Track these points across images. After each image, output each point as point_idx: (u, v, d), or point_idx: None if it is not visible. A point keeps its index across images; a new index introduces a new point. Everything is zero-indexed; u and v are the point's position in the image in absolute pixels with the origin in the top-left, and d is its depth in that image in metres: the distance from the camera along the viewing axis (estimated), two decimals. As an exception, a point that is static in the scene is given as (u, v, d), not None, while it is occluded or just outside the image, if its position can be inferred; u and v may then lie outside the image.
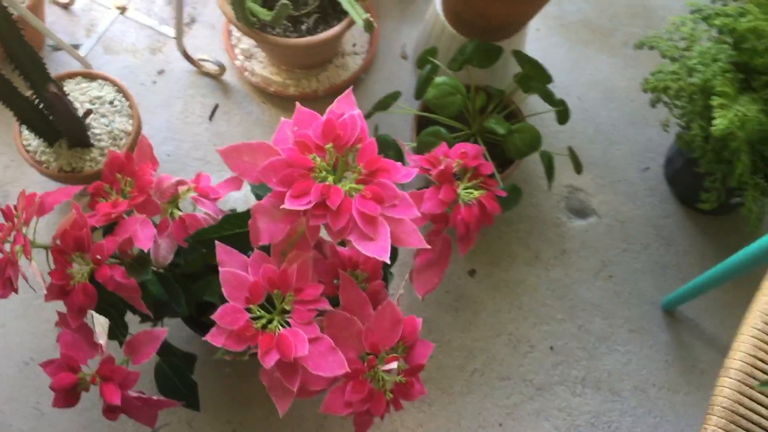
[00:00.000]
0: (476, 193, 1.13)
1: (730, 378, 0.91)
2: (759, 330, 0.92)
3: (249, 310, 0.91)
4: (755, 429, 0.88)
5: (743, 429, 0.89)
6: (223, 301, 0.92)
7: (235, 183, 1.16)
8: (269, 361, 0.88)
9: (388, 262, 0.85)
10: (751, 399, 0.91)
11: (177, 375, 1.12)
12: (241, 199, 1.48)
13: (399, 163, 0.92)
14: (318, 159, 0.88)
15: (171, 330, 1.23)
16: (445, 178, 1.11)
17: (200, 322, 1.24)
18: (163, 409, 1.30)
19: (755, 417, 0.90)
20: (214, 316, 0.90)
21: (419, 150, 1.27)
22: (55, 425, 1.34)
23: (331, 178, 0.88)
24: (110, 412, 1.03)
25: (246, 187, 1.37)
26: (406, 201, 0.91)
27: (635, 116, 1.63)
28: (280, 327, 0.90)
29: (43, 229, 1.43)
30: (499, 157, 1.38)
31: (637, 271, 1.51)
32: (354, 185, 0.88)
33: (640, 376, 1.43)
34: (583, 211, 1.56)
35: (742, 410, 0.90)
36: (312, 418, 1.36)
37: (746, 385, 0.90)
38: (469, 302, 1.47)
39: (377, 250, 0.86)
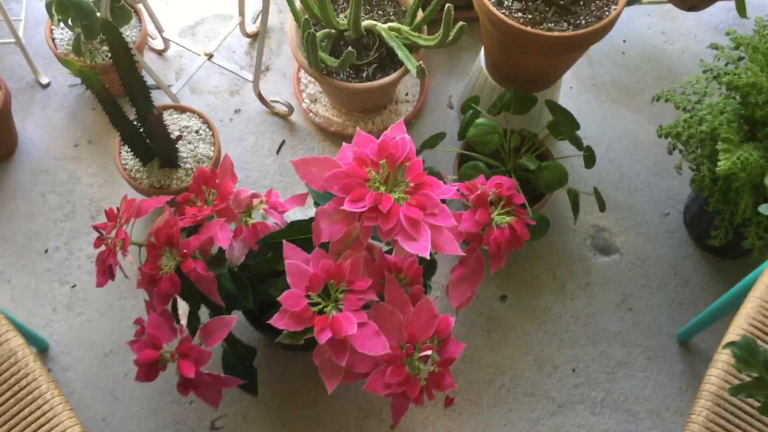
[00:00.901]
0: (508, 218, 1.28)
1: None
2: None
3: (308, 297, 1.06)
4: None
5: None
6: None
7: (299, 199, 1.33)
8: (323, 338, 1.03)
9: (428, 257, 1.01)
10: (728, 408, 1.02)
11: (241, 361, 1.28)
12: (302, 216, 1.65)
13: (440, 181, 1.09)
14: (373, 172, 1.05)
15: (235, 331, 1.39)
16: (480, 202, 1.26)
17: (262, 322, 1.40)
18: (223, 399, 1.46)
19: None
20: (280, 298, 1.05)
21: (460, 181, 1.43)
22: (127, 409, 1.50)
23: (383, 188, 1.04)
24: (183, 386, 1.18)
25: (305, 207, 1.55)
26: (445, 212, 1.07)
27: (658, 167, 1.77)
28: (334, 312, 1.05)
29: (135, 232, 1.62)
30: (530, 192, 1.53)
31: (655, 306, 1.62)
32: (402, 195, 1.04)
33: (656, 400, 1.53)
34: (607, 249, 1.69)
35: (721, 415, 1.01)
36: (353, 417, 1.49)
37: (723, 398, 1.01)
38: (499, 324, 1.60)
39: (419, 248, 1.02)
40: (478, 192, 1.26)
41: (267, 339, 1.53)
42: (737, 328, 0.99)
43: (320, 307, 1.06)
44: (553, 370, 1.56)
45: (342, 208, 1.02)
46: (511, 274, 1.65)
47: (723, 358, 1.02)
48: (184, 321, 1.17)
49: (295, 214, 1.65)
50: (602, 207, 1.52)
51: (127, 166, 1.53)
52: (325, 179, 1.05)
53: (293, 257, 1.10)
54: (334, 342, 1.04)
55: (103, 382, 1.53)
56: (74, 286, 1.61)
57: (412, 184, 1.06)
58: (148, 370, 1.19)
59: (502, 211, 1.30)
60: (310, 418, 1.49)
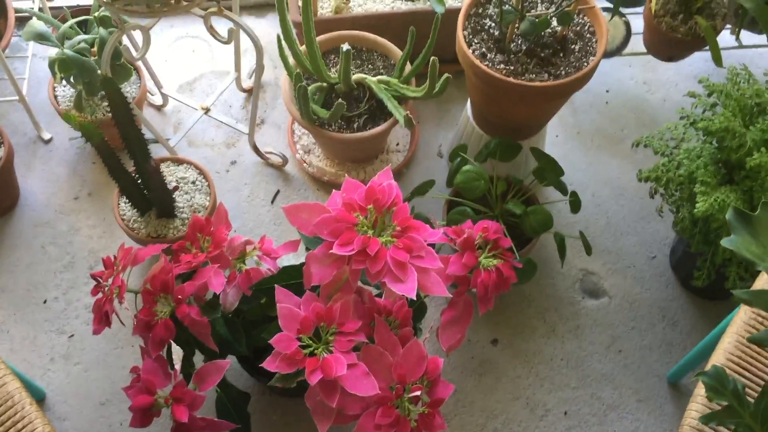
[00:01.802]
0: (495, 261, 1.31)
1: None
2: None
3: (300, 340, 1.08)
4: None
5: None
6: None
7: (292, 246, 1.36)
8: (314, 379, 1.04)
9: (414, 298, 1.03)
10: None
11: (234, 406, 1.29)
12: (294, 262, 1.68)
13: (427, 225, 1.12)
14: (361, 217, 1.08)
15: (230, 377, 1.40)
16: (467, 245, 1.29)
17: (256, 368, 1.41)
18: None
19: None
20: (272, 341, 1.07)
21: (448, 225, 1.46)
22: (123, 458, 1.50)
23: (371, 232, 1.07)
24: (179, 429, 1.20)
25: (298, 253, 1.57)
26: (431, 254, 1.09)
27: (643, 211, 1.81)
28: (324, 354, 1.07)
29: (132, 281, 1.64)
30: (518, 237, 1.56)
31: (644, 347, 1.64)
32: (389, 238, 1.07)
33: (648, 442, 1.54)
34: (595, 292, 1.71)
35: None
36: (347, 463, 1.49)
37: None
38: (491, 368, 1.61)
39: (406, 289, 1.04)
40: (465, 236, 1.29)
41: (261, 386, 1.54)
42: (715, 363, 1.01)
43: (311, 349, 1.08)
44: (545, 413, 1.56)
45: (331, 251, 1.05)
46: (502, 318, 1.67)
47: (702, 392, 1.04)
48: (178, 366, 1.18)
49: (289, 260, 1.68)
50: (588, 250, 1.54)
51: (125, 217, 1.57)
52: (314, 224, 1.08)
53: (285, 301, 1.12)
54: (325, 383, 1.05)
55: (99, 431, 1.53)
56: (72, 336, 1.63)
57: (399, 228, 1.09)
58: (143, 416, 1.20)
59: (489, 254, 1.32)
60: (304, 465, 1.49)
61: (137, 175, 1.46)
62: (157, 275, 1.22)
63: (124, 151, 1.41)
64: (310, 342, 1.08)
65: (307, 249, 1.25)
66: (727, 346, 1.06)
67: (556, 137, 1.92)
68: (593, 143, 1.92)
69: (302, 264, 1.18)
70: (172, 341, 1.23)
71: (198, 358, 1.28)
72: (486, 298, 1.32)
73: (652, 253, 1.75)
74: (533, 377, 1.60)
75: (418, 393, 1.10)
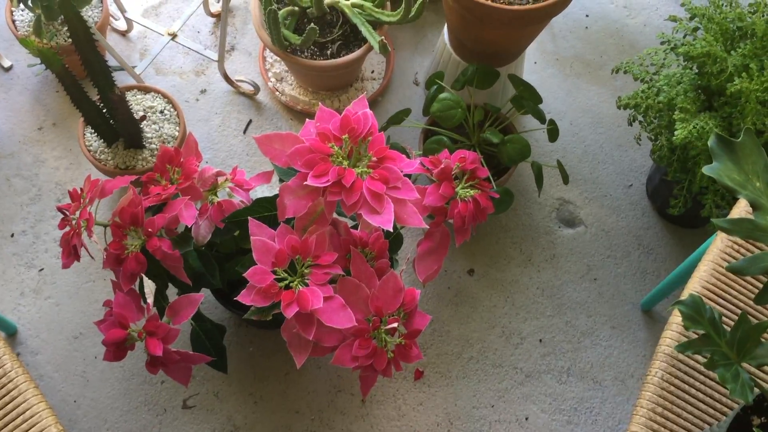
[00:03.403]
0: (472, 192, 1.29)
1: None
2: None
3: (275, 273, 1.07)
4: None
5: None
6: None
7: (264, 177, 1.32)
8: (290, 312, 1.03)
9: (391, 230, 1.01)
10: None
11: (209, 338, 1.28)
12: (268, 194, 1.65)
13: (403, 155, 1.09)
14: (336, 147, 1.05)
15: (204, 310, 1.38)
16: (444, 176, 1.27)
17: (230, 300, 1.40)
18: (195, 378, 1.46)
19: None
20: (246, 274, 1.06)
21: (425, 155, 1.44)
22: (98, 391, 1.49)
23: (346, 163, 1.04)
24: (152, 365, 1.18)
25: (271, 184, 1.54)
26: (408, 185, 1.07)
27: (621, 140, 1.79)
28: (300, 287, 1.06)
29: (100, 213, 1.60)
30: (495, 167, 1.54)
31: (619, 276, 1.65)
32: (365, 169, 1.04)
33: (620, 367, 1.56)
34: (571, 221, 1.71)
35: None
36: (324, 393, 1.50)
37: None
38: (467, 298, 1.61)
39: (383, 221, 1.02)
40: (442, 166, 1.26)
41: (237, 318, 1.53)
42: (690, 291, 1.01)
43: (286, 282, 1.06)
44: (521, 341, 1.58)
45: (306, 183, 1.02)
46: (478, 248, 1.66)
47: (677, 320, 1.05)
48: (150, 300, 1.16)
49: (263, 192, 1.65)
50: (566, 179, 1.53)
51: (91, 148, 1.52)
52: (288, 155, 1.05)
53: (259, 234, 1.10)
54: (301, 316, 1.04)
55: (74, 365, 1.52)
56: (42, 269, 1.60)
57: (374, 159, 1.06)
58: (116, 350, 1.18)
59: (466, 184, 1.31)
60: (281, 393, 1.50)
61: (102, 105, 1.40)
62: (126, 208, 1.18)
63: (87, 79, 1.35)
64: (285, 275, 1.06)
65: (281, 180, 1.22)
66: (703, 275, 1.06)
67: (535, 64, 1.88)
68: (572, 70, 1.88)
69: (276, 196, 1.16)
70: (143, 275, 1.21)
71: (171, 291, 1.27)
72: (463, 229, 1.30)
73: (628, 182, 1.75)
74: (509, 306, 1.61)
75: (395, 325, 1.09)
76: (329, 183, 1.02)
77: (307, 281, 1.06)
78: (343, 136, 1.06)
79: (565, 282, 1.64)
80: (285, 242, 1.08)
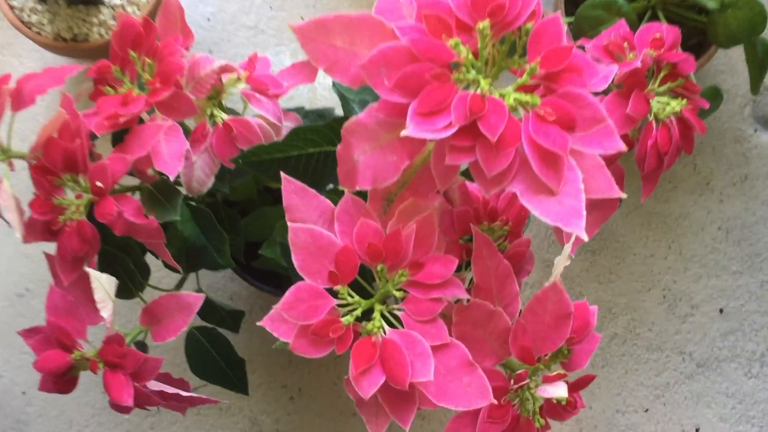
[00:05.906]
0: (677, 105, 0.77)
1: None
2: None
3: (334, 293, 0.58)
4: None
5: None
6: (287, 253, 0.60)
7: (306, 70, 0.81)
8: (369, 386, 0.56)
9: (586, 238, 0.51)
10: None
11: (217, 349, 0.82)
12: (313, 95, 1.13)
13: (591, 61, 0.57)
14: (463, 48, 0.52)
15: (204, 275, 0.92)
16: (636, 82, 0.75)
17: (248, 267, 0.93)
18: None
19: None
20: (282, 301, 0.58)
21: (578, 30, 0.90)
22: (59, 379, 1.08)
23: (484, 83, 0.52)
24: (118, 408, 0.74)
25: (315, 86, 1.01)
26: (605, 126, 0.55)
27: None
28: (385, 326, 0.58)
29: (28, 130, 1.11)
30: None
31: None
32: (522, 95, 0.52)
33: (842, 355, 1.12)
34: (776, 122, 1.19)
35: None
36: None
37: None
38: (609, 242, 1.14)
39: (561, 212, 0.52)
40: (637, 63, 0.73)
41: (259, 294, 1.06)
42: None
43: (357, 314, 0.58)
44: (691, 311, 1.14)
45: (403, 132, 0.51)
46: (628, 164, 1.16)
47: None
48: (106, 312, 0.69)
49: (301, 99, 1.12)
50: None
51: (14, 2, 0.98)
52: (364, 64, 0.52)
53: (301, 210, 0.61)
54: (391, 391, 0.57)
55: (18, 338, 1.09)
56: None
57: (542, 72, 0.53)
58: (57, 381, 0.74)
59: (662, 88, 0.79)
60: (330, 386, 1.08)
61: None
62: (55, 140, 0.70)
63: None
64: (352, 300, 0.58)
65: (343, 102, 0.71)
66: None
67: None
68: None
69: (331, 122, 0.66)
70: (96, 257, 0.74)
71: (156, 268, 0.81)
72: (656, 174, 0.81)
73: None
74: (674, 256, 1.15)
75: (560, 391, 0.62)
76: (454, 129, 0.51)
77: (397, 311, 0.59)
78: (479, 24, 0.52)
79: (762, 219, 1.17)
80: (355, 234, 0.59)
